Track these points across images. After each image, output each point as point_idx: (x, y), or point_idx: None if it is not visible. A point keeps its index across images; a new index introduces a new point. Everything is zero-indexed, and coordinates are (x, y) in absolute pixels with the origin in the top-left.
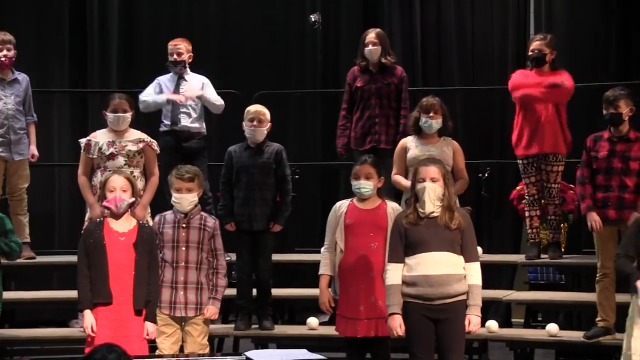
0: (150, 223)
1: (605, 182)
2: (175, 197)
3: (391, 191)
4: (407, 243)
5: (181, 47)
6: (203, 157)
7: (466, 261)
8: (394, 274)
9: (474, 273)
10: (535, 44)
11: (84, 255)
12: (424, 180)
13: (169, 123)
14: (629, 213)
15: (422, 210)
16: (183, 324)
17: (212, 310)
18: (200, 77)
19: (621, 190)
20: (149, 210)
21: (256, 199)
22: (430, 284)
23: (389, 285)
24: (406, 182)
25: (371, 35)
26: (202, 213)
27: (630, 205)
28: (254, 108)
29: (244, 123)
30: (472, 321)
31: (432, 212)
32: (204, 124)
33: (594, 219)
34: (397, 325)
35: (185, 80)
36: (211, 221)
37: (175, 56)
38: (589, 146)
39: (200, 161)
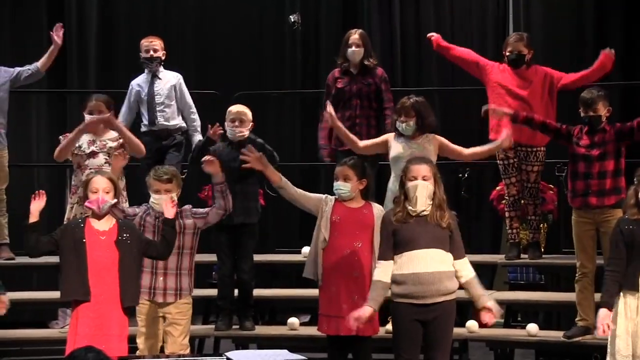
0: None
1: (586, 169)
2: (154, 198)
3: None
4: (396, 241)
5: (156, 44)
6: (176, 152)
7: (456, 258)
8: (380, 270)
9: (467, 267)
10: (512, 45)
11: (53, 237)
12: (415, 179)
13: (147, 123)
14: (609, 200)
15: (412, 209)
16: (164, 324)
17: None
18: (175, 75)
19: (601, 177)
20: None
21: (237, 192)
22: (420, 282)
23: (374, 280)
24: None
25: (354, 36)
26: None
27: (611, 191)
28: (235, 108)
29: (225, 123)
30: (494, 308)
31: (423, 210)
32: (181, 118)
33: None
34: (364, 315)
35: (159, 79)
36: (186, 207)
37: (151, 52)
38: (575, 132)
39: (173, 155)
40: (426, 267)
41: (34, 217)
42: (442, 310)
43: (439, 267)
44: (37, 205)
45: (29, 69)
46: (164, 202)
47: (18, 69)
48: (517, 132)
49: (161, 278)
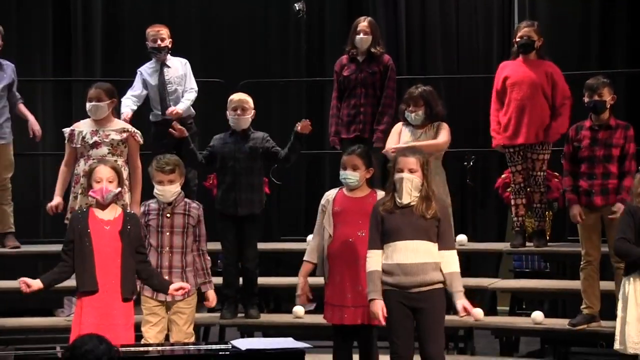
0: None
1: (589, 170)
2: (157, 189)
3: (378, 180)
4: (383, 231)
5: (163, 33)
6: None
7: (441, 249)
8: (373, 260)
9: (450, 260)
10: (523, 31)
11: (68, 243)
12: (402, 171)
13: (159, 113)
14: (613, 199)
15: (399, 200)
16: (168, 312)
17: (212, 295)
18: (182, 61)
19: (605, 178)
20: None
21: (242, 183)
22: (405, 273)
23: (369, 272)
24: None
25: (363, 23)
26: (186, 199)
27: (615, 191)
28: (237, 97)
29: (227, 112)
30: (467, 306)
31: (409, 202)
32: (191, 107)
33: (573, 214)
34: (379, 310)
35: (169, 67)
36: (195, 207)
37: (159, 42)
38: (572, 136)
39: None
40: (409, 258)
41: (38, 286)
42: (430, 300)
43: (422, 259)
44: (30, 290)
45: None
46: (175, 290)
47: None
48: (525, 134)
49: (166, 277)
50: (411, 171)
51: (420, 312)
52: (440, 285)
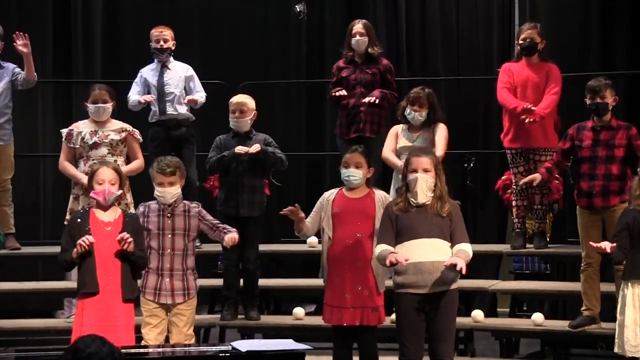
0: (132, 210)
1: (590, 170)
2: (158, 190)
3: (378, 181)
4: (397, 230)
5: (167, 34)
6: (191, 145)
7: (457, 243)
8: (381, 247)
9: (463, 246)
10: (526, 33)
11: (68, 241)
12: (415, 171)
13: (157, 113)
14: (614, 200)
15: (414, 200)
16: (169, 314)
17: (233, 234)
18: (185, 66)
19: (606, 179)
20: (132, 201)
21: (244, 185)
22: (421, 271)
23: (380, 251)
24: (395, 160)
25: (358, 26)
26: (185, 201)
27: (616, 192)
28: (236, 99)
29: (230, 114)
30: (455, 262)
31: (425, 202)
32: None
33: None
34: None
35: (169, 69)
36: (194, 206)
37: (161, 43)
38: (572, 134)
39: (188, 149)
40: (426, 256)
41: (76, 255)
42: (444, 301)
43: (439, 257)
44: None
45: (20, 77)
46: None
47: (17, 71)
48: (529, 136)
49: (167, 279)
50: (425, 171)
51: (434, 312)
52: (454, 286)
